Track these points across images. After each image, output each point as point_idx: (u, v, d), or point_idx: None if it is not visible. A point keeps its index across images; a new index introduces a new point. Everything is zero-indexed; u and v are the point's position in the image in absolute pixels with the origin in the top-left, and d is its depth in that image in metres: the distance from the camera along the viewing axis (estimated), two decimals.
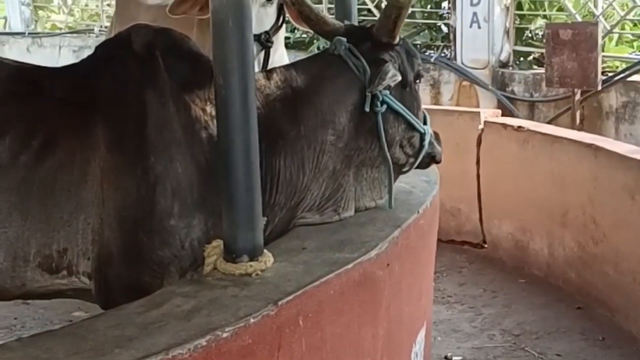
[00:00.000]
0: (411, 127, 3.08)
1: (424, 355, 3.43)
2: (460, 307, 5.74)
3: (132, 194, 2.78)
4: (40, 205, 2.79)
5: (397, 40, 3.07)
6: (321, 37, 3.28)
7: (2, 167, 2.80)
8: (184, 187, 2.79)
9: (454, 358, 4.96)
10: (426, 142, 3.15)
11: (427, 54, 9.20)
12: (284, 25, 4.30)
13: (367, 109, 2.95)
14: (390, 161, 3.02)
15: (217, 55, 2.51)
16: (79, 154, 2.82)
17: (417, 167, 3.24)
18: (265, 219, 2.72)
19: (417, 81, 3.18)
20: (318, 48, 7.91)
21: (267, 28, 4.01)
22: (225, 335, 2.21)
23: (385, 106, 2.97)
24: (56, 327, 4.67)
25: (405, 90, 3.09)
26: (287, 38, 8.16)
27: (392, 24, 3.01)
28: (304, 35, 8.34)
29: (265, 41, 3.96)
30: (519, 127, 6.42)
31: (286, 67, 3.10)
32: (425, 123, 3.16)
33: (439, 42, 9.34)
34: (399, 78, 2.99)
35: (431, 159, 3.29)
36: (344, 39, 3.00)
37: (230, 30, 2.46)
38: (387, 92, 2.97)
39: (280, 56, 4.30)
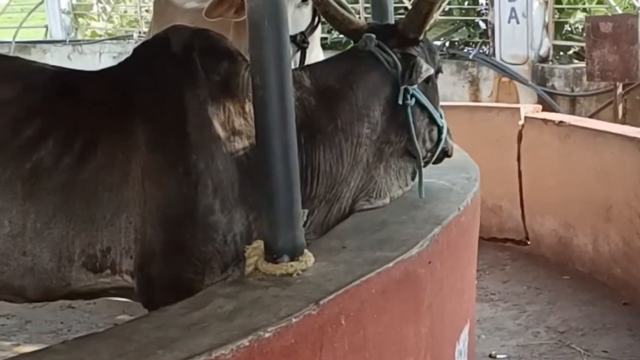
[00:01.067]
0: (433, 120, 3.14)
1: (467, 353, 3.40)
2: (503, 304, 5.69)
3: (174, 192, 2.83)
4: (84, 206, 2.86)
5: (422, 36, 3.13)
6: (346, 36, 3.31)
7: (46, 170, 2.86)
8: (225, 184, 2.84)
9: (498, 356, 4.92)
10: (444, 136, 3.20)
11: (465, 50, 9.16)
12: (320, 26, 4.30)
13: (401, 102, 3.01)
14: (420, 153, 3.08)
15: (254, 56, 2.51)
16: (120, 154, 2.88)
17: (433, 163, 3.28)
18: (306, 210, 2.76)
19: (437, 76, 3.24)
20: None
21: (303, 29, 4.01)
22: (267, 335, 2.21)
23: (414, 100, 3.03)
24: (101, 330, 4.75)
25: (428, 84, 3.14)
26: (324, 39, 8.20)
27: (422, 19, 3.06)
28: (342, 36, 8.32)
29: (301, 42, 3.96)
30: (560, 122, 6.35)
31: (318, 64, 3.14)
32: (441, 117, 3.21)
33: (477, 39, 9.29)
34: (432, 71, 3.08)
35: (444, 154, 3.32)
36: (373, 36, 3.04)
37: (267, 31, 2.46)
38: (415, 86, 3.02)
39: (316, 56, 4.30)
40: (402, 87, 3.00)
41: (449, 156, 3.36)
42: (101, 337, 2.27)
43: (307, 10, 4.07)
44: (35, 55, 10.23)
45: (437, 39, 9.49)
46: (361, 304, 2.49)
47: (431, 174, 3.31)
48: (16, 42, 10.36)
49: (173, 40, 3.02)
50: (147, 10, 10.74)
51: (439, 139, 3.19)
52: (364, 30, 3.14)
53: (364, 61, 3.05)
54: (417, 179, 3.16)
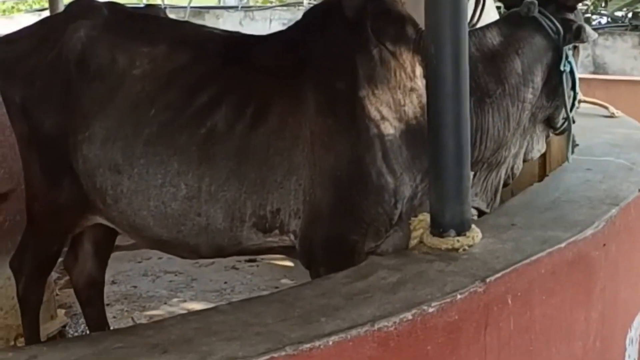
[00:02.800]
0: (574, 88, 3.06)
1: (639, 341, 3.24)
2: None
3: (346, 154, 2.87)
4: (256, 169, 2.94)
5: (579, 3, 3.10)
6: (500, 2, 3.27)
7: (220, 135, 2.95)
8: (395, 147, 2.86)
9: None
10: (577, 104, 3.14)
11: None
12: None
13: (563, 68, 2.96)
14: (571, 119, 3.06)
15: (430, 24, 2.45)
16: (291, 118, 2.94)
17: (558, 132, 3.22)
18: (472, 173, 2.75)
19: None
20: None
21: None
22: (431, 310, 2.17)
23: (569, 66, 2.99)
24: (263, 292, 4.86)
25: (574, 52, 3.08)
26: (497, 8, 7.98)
27: None
28: None
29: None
30: None
31: (480, 29, 3.06)
32: None
33: None
34: (596, 35, 3.02)
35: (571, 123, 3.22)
36: (536, 2, 2.97)
37: None
38: (571, 52, 2.99)
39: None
40: (564, 53, 2.96)
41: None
42: (265, 301, 2.30)
43: None
44: (209, 21, 10.50)
45: (619, 9, 9.03)
46: (529, 284, 2.41)
47: (609, 151, 3.17)
48: (191, 8, 10.65)
49: (346, 4, 3.03)
50: None
51: (573, 105, 3.12)
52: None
53: (527, 27, 3.00)
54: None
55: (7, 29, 3.56)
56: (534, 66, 2.97)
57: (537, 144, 3.15)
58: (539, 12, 2.98)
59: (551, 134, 3.22)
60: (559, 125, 3.13)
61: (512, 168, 3.10)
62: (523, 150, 3.10)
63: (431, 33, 2.45)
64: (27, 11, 10.56)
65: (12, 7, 11.24)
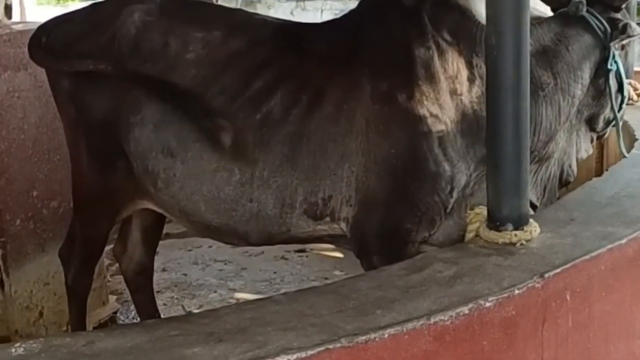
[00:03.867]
0: (621, 89, 3.05)
1: None
2: None
3: (402, 142, 2.86)
4: (309, 156, 2.94)
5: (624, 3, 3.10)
6: (546, 4, 3.25)
7: (275, 121, 2.95)
8: (451, 136, 2.85)
9: None
10: (624, 105, 3.12)
11: None
12: None
13: (610, 67, 2.97)
14: (619, 118, 3.05)
15: (491, 15, 2.41)
16: (346, 105, 2.93)
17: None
18: None
19: None
20: None
21: None
22: (488, 304, 2.14)
23: (616, 66, 2.99)
24: (313, 283, 4.86)
25: (622, 52, 3.09)
26: None
27: None
28: None
29: None
30: None
31: (531, 25, 3.02)
32: None
33: None
34: None
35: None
36: (583, 1, 2.98)
37: None
38: (617, 52, 2.99)
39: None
40: (611, 51, 2.97)
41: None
42: (320, 292, 2.29)
43: None
44: (260, 11, 10.52)
45: None
46: (589, 280, 2.37)
47: None
48: None
49: None
50: None
51: (620, 107, 3.09)
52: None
53: (575, 25, 3.00)
54: None
55: None
56: (583, 63, 2.98)
57: (584, 143, 3.14)
58: (587, 11, 2.99)
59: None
60: (600, 125, 3.12)
61: (570, 165, 3.09)
62: (573, 149, 3.10)
63: (492, 24, 2.42)
64: (81, 0, 10.69)
65: None
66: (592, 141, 3.18)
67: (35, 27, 3.72)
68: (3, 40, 3.78)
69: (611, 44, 2.96)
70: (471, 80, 2.89)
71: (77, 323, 3.65)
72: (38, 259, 4.02)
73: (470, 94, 2.88)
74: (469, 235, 2.59)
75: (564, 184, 3.12)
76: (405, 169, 2.88)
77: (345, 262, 5.00)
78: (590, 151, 3.19)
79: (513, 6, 2.37)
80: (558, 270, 2.28)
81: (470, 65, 2.90)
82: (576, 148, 3.11)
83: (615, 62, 2.99)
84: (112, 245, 3.89)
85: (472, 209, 2.70)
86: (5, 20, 4.08)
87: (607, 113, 3.08)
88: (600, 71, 2.98)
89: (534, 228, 2.49)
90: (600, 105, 3.05)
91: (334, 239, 3.15)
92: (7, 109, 3.80)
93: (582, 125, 3.10)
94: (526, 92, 2.42)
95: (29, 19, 6.17)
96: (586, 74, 2.97)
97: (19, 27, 4.06)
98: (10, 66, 3.74)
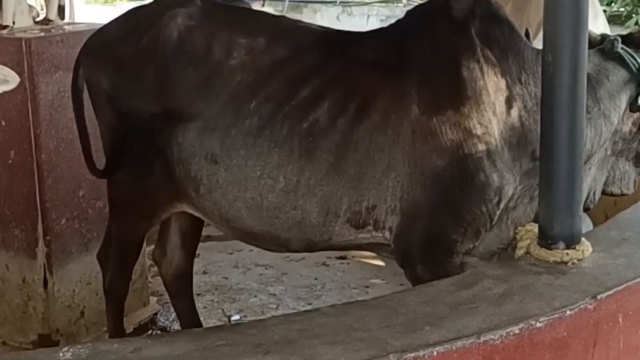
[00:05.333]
0: None
1: None
2: None
3: (449, 153, 2.85)
4: (355, 164, 2.93)
5: None
6: None
7: (322, 129, 2.95)
8: (498, 148, 2.85)
9: None
10: None
11: None
12: None
13: None
14: None
15: (548, 31, 2.38)
16: (393, 115, 2.92)
17: None
18: None
19: None
20: (636, 23, 7.45)
21: None
22: (539, 325, 2.12)
23: None
24: (354, 291, 4.84)
25: None
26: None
27: None
28: (622, 10, 7.91)
29: None
30: None
31: None
32: None
33: None
34: None
35: None
36: (619, 38, 3.05)
37: (564, 5, 2.32)
38: None
39: (603, 23, 4.12)
40: None
41: None
42: (369, 305, 2.28)
43: None
44: (306, 15, 10.49)
45: None
46: None
47: None
48: (289, 1, 10.68)
49: (455, 5, 3.00)
50: None
51: None
52: (598, 40, 3.10)
53: (612, 59, 3.04)
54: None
55: (109, 17, 3.60)
56: (621, 93, 3.00)
57: (622, 180, 3.13)
58: (622, 48, 3.04)
59: None
60: None
61: (594, 192, 3.08)
62: (603, 178, 3.09)
63: (549, 40, 2.38)
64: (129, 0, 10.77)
65: None
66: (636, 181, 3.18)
67: (86, 28, 3.76)
68: (56, 40, 3.81)
69: None
70: (519, 95, 2.89)
71: (115, 326, 3.66)
72: (82, 259, 4.04)
73: (518, 108, 2.88)
74: (519, 252, 2.56)
75: (584, 209, 3.09)
76: (453, 179, 2.86)
77: (386, 271, 4.97)
78: (631, 191, 3.18)
79: (571, 23, 2.34)
80: (611, 292, 2.25)
81: (519, 81, 2.90)
82: (608, 180, 3.11)
83: None
84: (153, 246, 3.90)
85: (518, 224, 2.69)
86: (58, 21, 4.11)
87: None
88: (635, 106, 3.01)
89: (586, 247, 2.46)
90: (638, 139, 3.08)
91: (374, 247, 3.14)
92: (58, 108, 3.83)
93: (620, 161, 3.11)
94: (582, 111, 2.40)
95: (77, 18, 6.22)
96: (623, 104, 3.00)
97: (71, 28, 4.10)
98: (62, 67, 3.77)
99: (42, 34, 3.87)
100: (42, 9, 4.57)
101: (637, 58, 3.03)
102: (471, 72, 2.88)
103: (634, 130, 3.05)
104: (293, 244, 3.13)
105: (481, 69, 2.89)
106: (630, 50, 3.05)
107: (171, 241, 3.75)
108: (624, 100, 3.00)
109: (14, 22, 3.89)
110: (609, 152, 3.05)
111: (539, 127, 2.83)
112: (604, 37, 3.11)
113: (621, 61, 3.02)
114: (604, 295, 2.23)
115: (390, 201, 2.93)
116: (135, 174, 3.30)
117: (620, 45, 3.02)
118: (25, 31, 3.88)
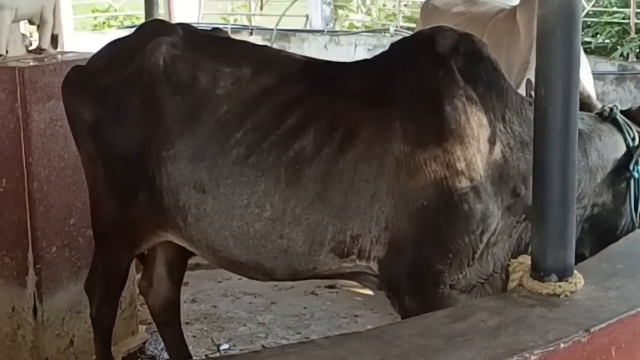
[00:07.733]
0: (637, 204, 3.15)
1: None
2: None
3: (433, 185, 2.90)
4: (341, 194, 2.97)
5: None
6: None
7: (308, 158, 2.99)
8: (483, 180, 2.91)
9: None
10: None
11: None
12: None
13: (633, 172, 3.11)
14: (637, 222, 3.15)
15: (541, 65, 2.41)
16: (378, 146, 2.97)
17: None
18: None
19: None
20: (621, 55, 7.51)
21: None
22: (533, 357, 2.12)
23: (637, 174, 3.12)
24: (342, 321, 4.84)
25: None
26: (587, 43, 7.85)
27: None
28: (607, 41, 7.96)
29: None
30: None
31: None
32: None
33: None
34: None
35: None
36: (618, 105, 3.20)
37: (557, 40, 2.35)
38: None
39: (585, 67, 4.19)
40: (636, 157, 3.10)
41: None
42: (363, 337, 2.28)
43: None
44: (294, 44, 10.55)
45: None
46: (634, 336, 2.34)
47: None
48: (278, 30, 10.73)
49: (439, 41, 3.06)
50: (405, 5, 10.79)
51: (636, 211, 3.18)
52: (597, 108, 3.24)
53: (607, 124, 3.16)
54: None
55: (98, 44, 3.62)
56: (610, 157, 3.10)
57: (595, 244, 3.11)
58: (619, 116, 3.17)
59: None
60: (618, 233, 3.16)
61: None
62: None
63: (542, 74, 2.41)
64: (118, 27, 10.79)
65: (104, 23, 11.49)
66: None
67: (79, 57, 3.77)
68: (49, 69, 3.84)
69: (636, 153, 3.09)
70: (502, 132, 2.96)
71: (103, 354, 3.66)
72: (72, 287, 4.04)
73: (501, 144, 2.95)
74: (512, 284, 2.56)
75: None
76: (437, 210, 2.91)
77: (375, 300, 4.97)
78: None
79: (564, 56, 2.36)
80: (604, 325, 2.26)
81: (501, 119, 2.97)
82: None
83: (638, 171, 3.12)
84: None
85: (497, 260, 2.82)
86: (51, 50, 4.13)
87: (627, 222, 3.16)
88: (623, 175, 3.10)
89: (578, 280, 2.47)
90: (619, 212, 3.15)
91: (357, 276, 3.18)
92: (50, 137, 3.85)
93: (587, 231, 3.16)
94: (574, 144, 2.41)
95: (66, 46, 6.25)
96: (608, 168, 3.09)
97: (64, 57, 4.12)
98: (55, 95, 3.79)
99: (36, 63, 3.90)
100: (31, 36, 4.58)
101: (633, 127, 3.14)
102: (454, 107, 2.93)
103: (617, 197, 3.13)
104: (278, 272, 3.15)
105: (464, 105, 2.94)
106: (627, 120, 3.16)
107: (157, 272, 3.75)
108: (612, 163, 3.09)
109: (7, 51, 3.91)
110: (581, 212, 3.08)
111: (522, 165, 2.93)
112: (604, 107, 3.23)
113: (617, 126, 3.13)
114: (597, 328, 2.24)
115: (374, 231, 2.96)
116: (116, 204, 3.32)
117: (619, 112, 3.15)
118: (18, 60, 3.91)
